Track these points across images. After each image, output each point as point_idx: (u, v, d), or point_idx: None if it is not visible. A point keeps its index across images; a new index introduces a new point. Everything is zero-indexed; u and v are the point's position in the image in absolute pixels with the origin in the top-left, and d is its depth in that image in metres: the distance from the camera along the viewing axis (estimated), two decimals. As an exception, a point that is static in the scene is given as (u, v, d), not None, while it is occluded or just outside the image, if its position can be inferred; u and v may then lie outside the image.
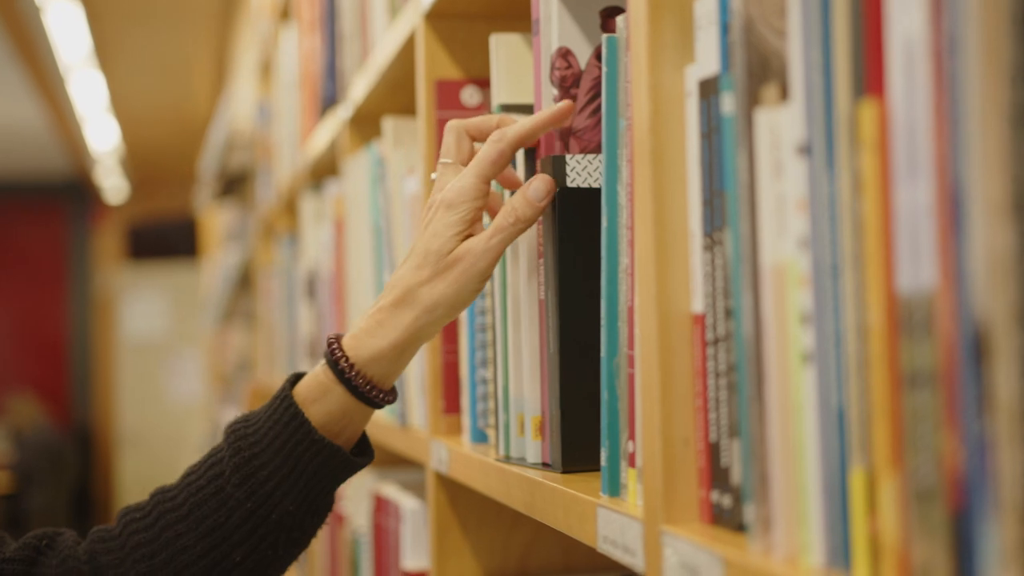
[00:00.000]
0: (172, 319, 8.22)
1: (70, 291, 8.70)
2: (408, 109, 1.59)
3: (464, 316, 1.17)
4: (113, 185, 8.20)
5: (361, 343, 0.92)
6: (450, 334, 1.23)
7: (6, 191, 8.34)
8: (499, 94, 1.06)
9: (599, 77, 0.94)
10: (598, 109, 0.94)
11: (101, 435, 8.53)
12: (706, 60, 0.63)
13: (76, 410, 8.60)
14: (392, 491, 1.49)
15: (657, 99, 0.66)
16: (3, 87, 6.05)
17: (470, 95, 1.26)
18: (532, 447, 0.95)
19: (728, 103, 0.59)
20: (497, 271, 1.03)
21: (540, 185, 0.90)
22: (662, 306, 0.65)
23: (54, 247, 8.71)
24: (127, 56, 5.69)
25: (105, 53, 5.46)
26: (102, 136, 6.81)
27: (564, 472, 0.89)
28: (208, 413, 6.85)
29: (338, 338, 0.94)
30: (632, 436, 0.73)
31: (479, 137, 0.95)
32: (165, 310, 8.25)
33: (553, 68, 0.94)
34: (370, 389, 0.92)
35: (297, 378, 0.95)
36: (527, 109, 1.03)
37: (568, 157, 0.91)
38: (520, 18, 1.22)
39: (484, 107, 1.26)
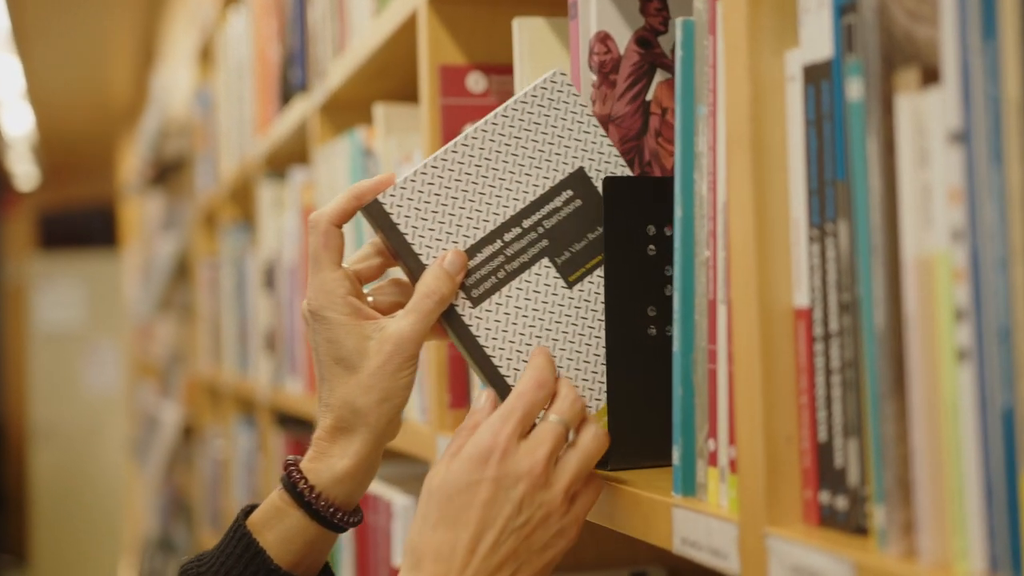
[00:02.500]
0: (88, 309, 8.02)
1: (-21, 280, 8.45)
2: (388, 96, 1.55)
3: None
4: (24, 172, 7.97)
5: (321, 468, 0.85)
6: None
7: (-88, 177, 8.06)
8: (523, 80, 1.03)
9: (638, 63, 0.92)
10: (638, 95, 0.91)
11: (13, 427, 8.29)
12: (814, 44, 0.61)
13: (-14, 403, 8.36)
14: (379, 487, 1.45)
15: (757, 85, 0.63)
16: (-87, 69, 5.83)
17: (475, 81, 1.23)
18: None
19: (855, 89, 0.57)
20: (524, 262, 1.00)
21: (453, 258, 0.84)
22: (763, 300, 0.63)
23: (-38, 235, 8.44)
24: (45, 40, 5.52)
25: (23, 37, 5.29)
26: (15, 122, 6.61)
27: (611, 471, 0.86)
28: (129, 405, 6.70)
29: (296, 461, 0.87)
30: (713, 434, 0.70)
31: (344, 223, 0.87)
32: (80, 300, 8.04)
33: (592, 53, 0.91)
34: (333, 512, 0.85)
35: (251, 509, 0.89)
36: (555, 96, 0.99)
37: (380, 197, 0.85)
38: (526, 2, 1.20)
39: (490, 93, 1.22)
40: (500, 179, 0.87)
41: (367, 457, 0.85)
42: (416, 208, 0.85)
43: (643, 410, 0.87)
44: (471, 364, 0.85)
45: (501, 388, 0.84)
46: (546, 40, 1.04)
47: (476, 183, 0.86)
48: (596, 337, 0.86)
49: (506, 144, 0.87)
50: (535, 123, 0.87)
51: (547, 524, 0.76)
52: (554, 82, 0.88)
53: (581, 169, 0.87)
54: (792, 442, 0.62)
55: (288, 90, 2.08)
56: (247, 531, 0.86)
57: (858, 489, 0.58)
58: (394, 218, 0.85)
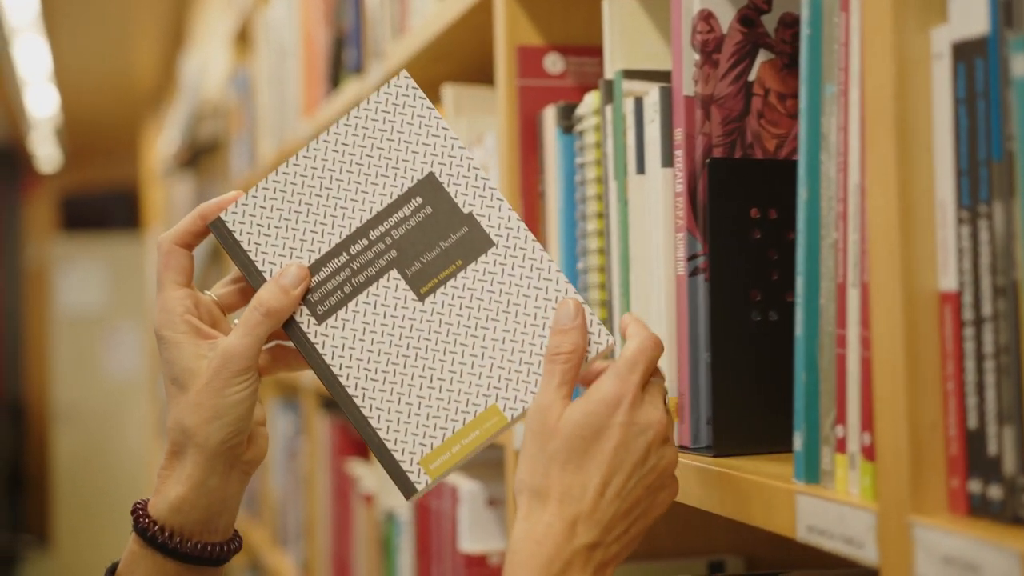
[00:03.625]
0: (110, 292, 8.03)
1: (0, 261, 8.46)
2: (449, 78, 1.54)
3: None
4: (46, 154, 7.97)
5: (158, 500, 0.83)
6: (532, 311, 1.19)
7: (-66, 158, 8.07)
8: (615, 61, 1.01)
9: (741, 42, 0.90)
10: (740, 76, 0.90)
11: (35, 409, 8.32)
12: (965, 21, 0.60)
13: (7, 384, 8.38)
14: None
15: (901, 64, 0.62)
16: (-60, 50, 5.84)
17: (553, 62, 1.21)
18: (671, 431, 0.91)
19: (1021, 65, 0.55)
20: (616, 247, 0.99)
21: (292, 272, 0.82)
22: (907, 284, 0.61)
23: (-17, 216, 8.46)
24: (73, 22, 5.51)
25: (52, 19, 5.28)
26: (41, 104, 6.61)
27: (715, 457, 0.85)
28: (151, 387, 6.71)
29: (144, 502, 0.85)
30: (842, 420, 0.69)
31: (191, 243, 0.85)
32: (102, 283, 8.05)
33: (695, 32, 0.90)
34: (184, 543, 0.82)
35: (115, 567, 0.87)
36: (649, 75, 0.98)
37: (223, 214, 0.83)
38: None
39: (568, 75, 1.21)
40: (345, 190, 0.83)
41: (202, 480, 0.82)
42: (259, 224, 0.83)
43: (748, 397, 0.86)
44: (322, 383, 0.83)
45: (350, 408, 0.81)
46: (637, 20, 1.02)
47: (320, 195, 0.83)
48: (451, 352, 0.81)
49: (350, 154, 0.84)
50: (380, 130, 0.84)
51: (664, 476, 0.76)
52: (398, 86, 0.84)
53: (431, 175, 0.83)
54: (937, 429, 0.61)
55: (338, 72, 2.07)
56: None
57: (1015, 478, 0.57)
58: (236, 235, 0.83)
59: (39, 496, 8.12)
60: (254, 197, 0.83)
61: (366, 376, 0.81)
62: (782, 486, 0.72)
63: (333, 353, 0.82)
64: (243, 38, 3.25)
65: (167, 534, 0.82)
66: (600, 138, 1.04)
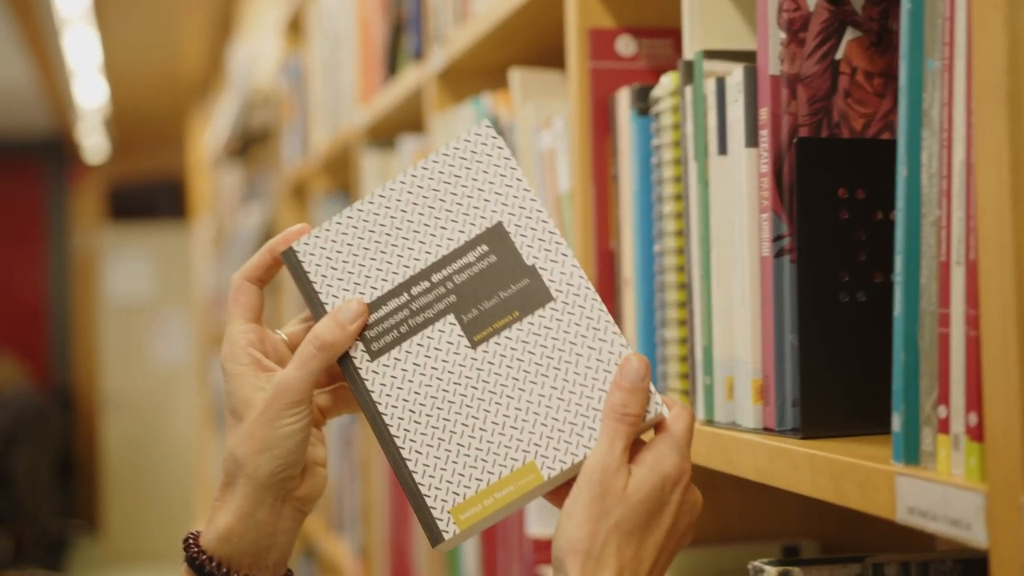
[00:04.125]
0: (157, 281, 8.10)
1: (48, 251, 8.56)
2: (512, 62, 1.53)
3: (629, 273, 1.12)
4: (93, 144, 8.05)
5: (208, 529, 0.83)
6: (605, 294, 1.18)
7: (-18, 149, 8.16)
8: (694, 42, 1.00)
9: (828, 20, 0.89)
10: (827, 54, 0.89)
11: (84, 397, 8.41)
12: (1081, -7, 0.58)
13: (56, 372, 8.48)
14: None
15: (1014, 35, 0.61)
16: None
17: (625, 45, 1.20)
18: (749, 411, 0.90)
19: None
20: (696, 229, 0.98)
21: (350, 306, 0.82)
22: (1020, 261, 0.60)
23: (32, 206, 8.55)
24: (123, 13, 5.56)
25: (103, 10, 5.33)
26: (89, 94, 6.67)
27: (803, 439, 0.84)
28: (200, 375, 6.77)
29: (196, 535, 0.85)
30: (944, 400, 0.68)
31: (262, 278, 0.85)
32: (149, 272, 8.13)
33: (781, 10, 0.89)
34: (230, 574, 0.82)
35: None
36: (729, 55, 0.97)
37: (295, 244, 0.84)
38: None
39: (640, 57, 1.20)
40: (414, 231, 0.84)
41: (250, 512, 0.81)
42: (328, 257, 0.84)
43: (837, 379, 0.85)
44: (367, 419, 0.83)
45: (389, 447, 0.81)
46: (715, 0, 1.01)
47: (389, 235, 0.84)
48: (496, 403, 0.80)
49: (424, 196, 0.84)
50: (455, 176, 0.84)
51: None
52: (479, 134, 0.85)
53: (500, 224, 0.82)
54: (1049, 409, 0.60)
55: (395, 59, 2.07)
56: None
57: None
58: (305, 266, 0.84)
59: (89, 482, 8.22)
60: (327, 231, 0.85)
61: (410, 418, 0.81)
62: (881, 467, 0.71)
63: (381, 391, 0.82)
64: (295, 27, 3.26)
65: (215, 564, 0.82)
66: (678, 119, 1.03)
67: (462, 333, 0.81)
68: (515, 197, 0.83)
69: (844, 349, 0.85)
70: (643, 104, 1.09)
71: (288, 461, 0.81)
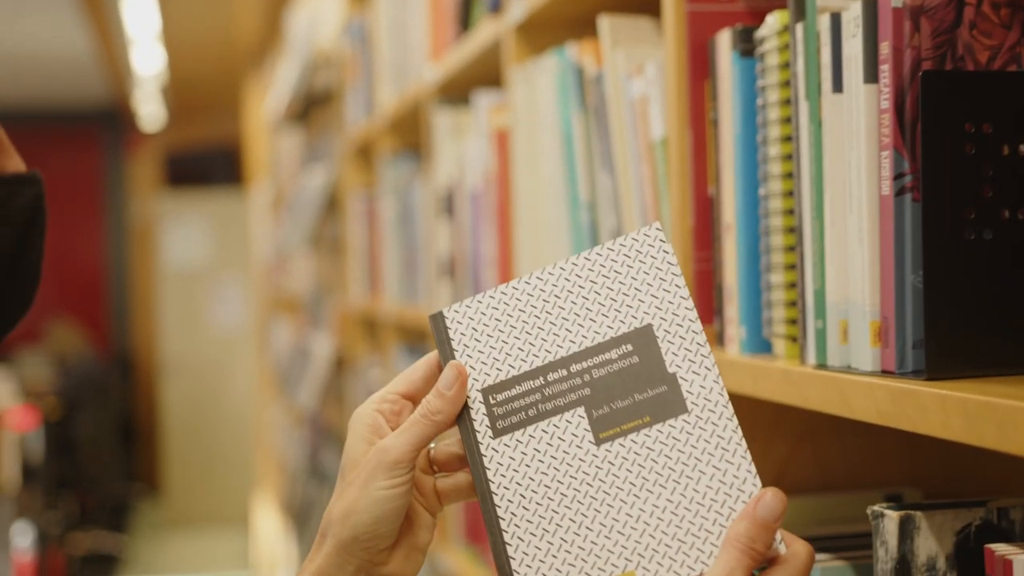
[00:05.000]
0: (214, 247, 8.16)
1: (107, 219, 8.65)
2: (602, 9, 1.51)
3: (730, 219, 1.10)
4: (150, 112, 8.11)
5: None
6: (702, 240, 1.17)
7: (40, 118, 8.24)
8: (804, -22, 0.98)
9: (950, -48, 0.86)
10: (951, -14, 0.86)
11: (143, 363, 8.52)
12: None
13: (116, 338, 8.59)
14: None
15: None
16: (51, 12, 5.94)
17: (723, -13, 1.18)
18: (867, 354, 0.89)
19: None
20: (807, 170, 0.96)
21: (448, 373, 0.82)
22: None
23: (90, 174, 8.64)
24: (180, -20, 5.58)
25: (161, -24, 5.35)
26: (147, 62, 6.71)
27: (928, 380, 0.82)
28: (259, 340, 6.82)
29: None
30: (1093, 333, 0.66)
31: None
32: (206, 238, 8.19)
33: (903, -58, 0.86)
34: None
35: None
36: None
37: (446, 310, 0.85)
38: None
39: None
40: (563, 318, 0.83)
41: (328, 572, 0.80)
42: (474, 328, 0.84)
43: (963, 318, 0.83)
44: (477, 495, 0.81)
45: (493, 528, 0.80)
46: (826, -65, 0.98)
47: (538, 317, 0.83)
48: (608, 505, 0.78)
49: (580, 286, 0.83)
50: (616, 271, 0.83)
51: None
52: (647, 235, 0.83)
53: (649, 327, 0.81)
54: None
55: (468, 14, 2.05)
56: None
57: None
58: (451, 333, 0.84)
59: (149, 447, 8.34)
60: (479, 303, 0.85)
61: (519, 502, 0.80)
62: (1021, 405, 0.69)
63: (497, 470, 0.81)
64: (358, -13, 3.25)
65: None
66: (786, 59, 1.01)
67: (589, 428, 0.80)
68: (670, 302, 0.81)
69: (969, 288, 0.83)
70: (746, 45, 1.07)
71: (375, 530, 0.80)
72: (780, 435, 1.16)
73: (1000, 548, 0.74)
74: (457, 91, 2.20)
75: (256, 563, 6.45)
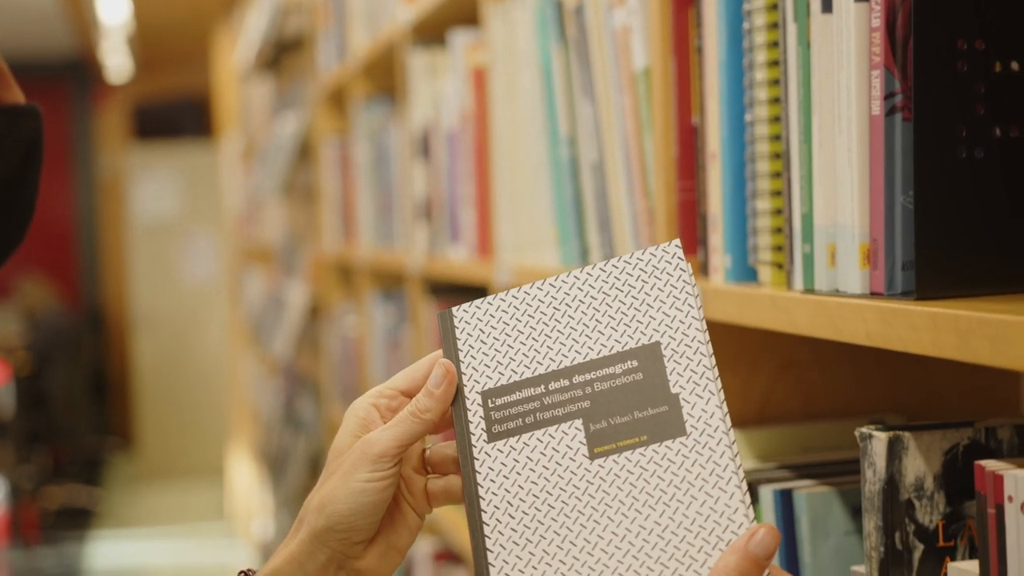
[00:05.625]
0: (184, 199, 8.09)
1: (75, 172, 8.56)
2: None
3: (715, 147, 1.09)
4: (117, 64, 7.99)
5: (263, 567, 0.82)
6: (686, 170, 1.16)
7: (8, 69, 8.09)
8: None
9: None
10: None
11: (115, 317, 8.47)
12: None
13: (87, 292, 8.53)
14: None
15: None
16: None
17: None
18: (855, 277, 0.88)
19: None
20: (795, 93, 0.95)
21: (437, 371, 0.82)
22: None
23: (56, 127, 8.52)
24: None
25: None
26: (113, 11, 6.60)
27: (918, 300, 0.82)
28: (232, 291, 6.79)
29: (248, 575, 0.83)
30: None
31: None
32: (177, 191, 8.11)
33: None
34: None
35: None
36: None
37: (455, 309, 0.84)
38: None
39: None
40: (571, 328, 0.82)
41: (300, 561, 0.80)
42: (481, 330, 0.83)
43: (954, 238, 0.82)
44: (465, 498, 0.81)
45: (475, 532, 0.79)
46: None
47: (547, 324, 0.83)
48: (595, 521, 0.76)
49: (592, 296, 0.82)
50: (630, 285, 0.82)
51: None
52: (666, 251, 0.82)
53: (657, 345, 0.79)
54: None
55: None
56: None
57: None
58: (458, 332, 0.84)
59: (122, 400, 8.31)
60: (489, 304, 0.84)
61: (506, 509, 0.79)
62: (1016, 319, 0.69)
63: (487, 474, 0.80)
64: (329, -70, 3.20)
65: None
66: (773, -18, 0.99)
67: (584, 441, 0.79)
68: (681, 322, 0.80)
69: (961, 207, 0.82)
70: (732, -31, 1.06)
71: (350, 521, 0.79)
72: (763, 365, 1.15)
73: (990, 464, 0.74)
74: (432, 31, 2.18)
75: (232, 514, 6.46)
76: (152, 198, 8.09)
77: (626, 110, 1.27)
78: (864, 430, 0.86)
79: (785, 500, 1.01)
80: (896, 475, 0.84)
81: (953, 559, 0.84)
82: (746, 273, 1.06)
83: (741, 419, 1.14)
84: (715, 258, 1.10)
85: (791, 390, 1.16)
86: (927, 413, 1.15)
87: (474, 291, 2.08)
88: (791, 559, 1.00)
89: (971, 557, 0.84)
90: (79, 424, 7.55)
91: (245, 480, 5.98)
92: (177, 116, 8.55)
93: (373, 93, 2.81)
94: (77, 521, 6.59)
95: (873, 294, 0.87)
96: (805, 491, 1.00)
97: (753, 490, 1.03)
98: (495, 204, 1.74)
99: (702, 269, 1.13)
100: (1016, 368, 0.68)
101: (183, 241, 8.04)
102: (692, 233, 1.16)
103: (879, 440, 0.85)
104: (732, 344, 1.14)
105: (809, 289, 0.94)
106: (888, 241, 0.85)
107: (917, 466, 0.84)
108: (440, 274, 2.11)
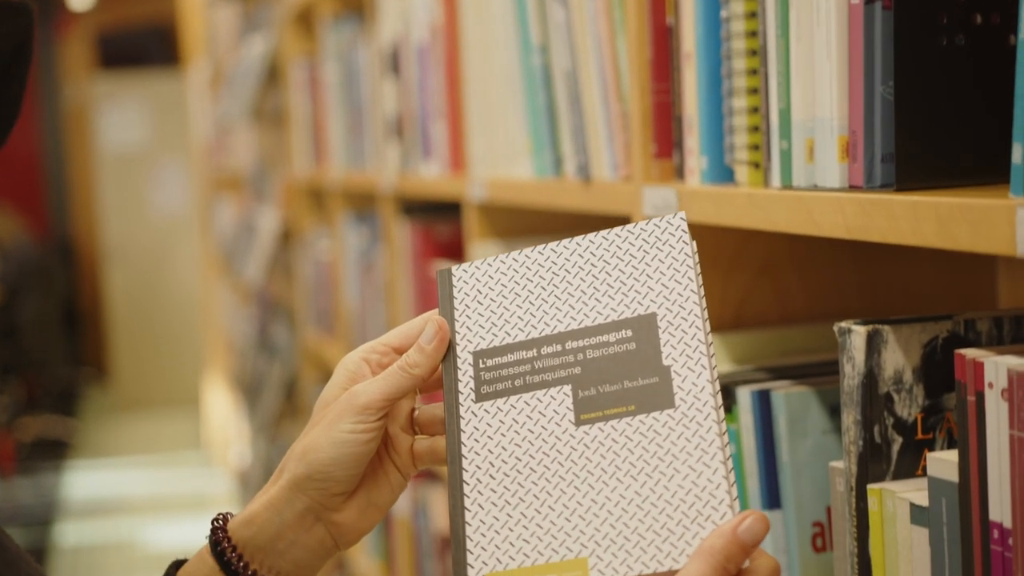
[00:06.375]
0: (152, 130, 7.99)
1: (39, 103, 8.42)
2: None
3: (690, 47, 1.07)
4: (79, -9, 7.85)
5: (240, 512, 0.81)
6: (660, 72, 1.14)
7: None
8: None
9: None
10: None
11: (85, 248, 8.40)
12: None
13: (56, 224, 8.45)
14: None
15: None
16: None
17: None
18: (834, 171, 0.87)
19: None
20: (772, -16, 0.93)
21: (429, 328, 0.82)
22: None
23: (20, 57, 8.36)
24: None
25: None
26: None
27: (898, 192, 0.81)
28: (203, 220, 6.73)
29: (225, 519, 0.82)
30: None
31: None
32: (144, 120, 8.01)
33: None
34: (238, 560, 0.80)
35: (178, 565, 0.84)
36: None
37: (455, 268, 0.84)
38: None
39: None
40: (568, 294, 0.81)
41: (278, 508, 0.80)
42: (478, 290, 0.83)
43: (935, 128, 0.81)
44: (447, 456, 0.80)
45: (455, 491, 0.78)
46: None
47: (544, 289, 0.82)
48: (575, 488, 0.76)
49: (592, 264, 0.81)
50: (631, 254, 0.81)
51: None
52: (670, 223, 0.81)
53: (653, 316, 0.78)
54: None
55: None
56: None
57: None
58: (455, 291, 0.84)
59: (95, 331, 8.27)
60: (488, 265, 0.84)
61: (487, 470, 0.78)
62: (998, 202, 0.68)
63: (472, 434, 0.79)
64: None
65: (231, 545, 0.81)
66: None
67: (571, 407, 0.78)
68: (680, 295, 0.78)
69: (941, 97, 0.81)
70: None
71: (330, 472, 0.79)
72: (740, 268, 1.15)
73: (970, 352, 0.74)
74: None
75: (208, 443, 6.47)
76: (119, 128, 7.99)
77: (599, 13, 1.25)
78: (843, 324, 0.86)
79: (763, 401, 1.00)
80: (875, 369, 0.84)
81: (932, 451, 0.84)
82: (723, 174, 1.05)
83: (718, 324, 1.14)
84: (691, 160, 1.08)
85: (768, 294, 1.16)
86: (906, 315, 1.14)
87: (447, 208, 2.06)
88: (769, 459, 1.00)
89: (949, 449, 0.84)
90: (52, 356, 7.52)
91: (221, 409, 5.98)
92: (142, 44, 8.41)
93: (341, 12, 2.76)
94: (52, 452, 6.59)
95: (852, 187, 0.86)
96: (783, 391, 1.00)
97: (730, 392, 1.03)
98: (467, 118, 1.71)
99: (678, 172, 1.11)
100: (997, 252, 0.68)
101: (152, 171, 7.95)
102: (667, 136, 1.14)
103: (858, 334, 0.84)
104: (709, 248, 1.13)
105: (787, 186, 0.93)
106: (867, 133, 0.84)
107: (896, 359, 0.84)
108: (413, 192, 2.09)
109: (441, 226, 2.10)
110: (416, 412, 0.85)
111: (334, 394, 0.81)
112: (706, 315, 0.78)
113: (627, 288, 0.80)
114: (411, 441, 0.84)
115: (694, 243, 0.81)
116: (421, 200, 2.18)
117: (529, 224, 1.72)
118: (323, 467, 0.79)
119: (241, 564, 0.81)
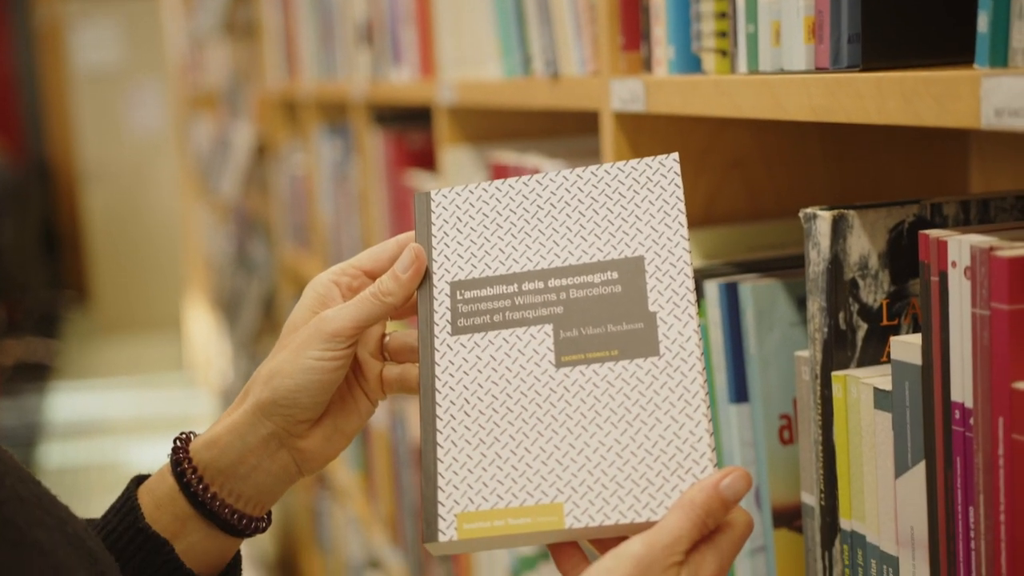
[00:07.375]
0: (128, 49, 7.87)
1: (9, 22, 8.28)
2: None
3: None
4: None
5: (203, 433, 0.80)
6: (628, -37, 1.11)
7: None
8: None
9: None
10: None
11: (62, 169, 8.31)
12: None
13: (32, 145, 8.35)
14: (536, 160, 1.39)
15: None
16: None
17: None
18: (800, 53, 0.85)
19: None
20: None
21: (406, 255, 0.79)
22: None
23: (-12, -24, 8.22)
24: None
25: None
26: None
27: (862, 72, 0.79)
28: (179, 139, 6.66)
29: (188, 438, 0.80)
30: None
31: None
32: (119, 40, 7.88)
33: None
34: (198, 482, 0.79)
35: (139, 481, 0.82)
36: None
37: (434, 193, 0.81)
38: None
39: None
40: (554, 229, 0.78)
41: (241, 432, 0.78)
42: (458, 218, 0.80)
43: (900, 6, 0.79)
44: (420, 389, 0.77)
45: (427, 426, 0.75)
46: None
47: (528, 222, 0.79)
48: (553, 431, 0.74)
49: (580, 200, 0.78)
50: (620, 193, 0.78)
51: None
52: (663, 164, 0.78)
53: (641, 259, 0.76)
54: None
55: None
56: (132, 493, 0.82)
57: None
58: (434, 216, 0.81)
59: (75, 254, 8.22)
60: (470, 192, 0.81)
61: (462, 406, 0.76)
62: (962, 73, 0.66)
63: (447, 368, 0.77)
64: None
65: (192, 466, 0.79)
66: None
67: (552, 347, 0.75)
68: (669, 239, 0.76)
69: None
70: None
71: (295, 398, 0.77)
72: (710, 164, 1.13)
73: (934, 232, 0.72)
74: None
75: (190, 364, 6.47)
76: (93, 47, 7.86)
77: (566, -98, 1.21)
78: (808, 211, 0.84)
79: (730, 293, 0.99)
80: (840, 254, 0.82)
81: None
82: (690, 63, 1.02)
83: (688, 219, 1.12)
84: (658, 50, 1.06)
85: (737, 190, 1.14)
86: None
87: (419, 115, 2.03)
88: (736, 351, 0.99)
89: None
90: (32, 278, 7.48)
91: (203, 329, 5.97)
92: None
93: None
94: (35, 375, 6.59)
95: (819, 69, 0.84)
96: (750, 283, 0.99)
97: (699, 285, 1.01)
98: (436, 21, 1.68)
99: (645, 64, 1.09)
100: (962, 125, 0.66)
101: (128, 91, 7.85)
102: (634, 27, 1.11)
103: (823, 219, 0.83)
104: (678, 143, 1.12)
105: (753, 71, 0.91)
106: (834, 13, 0.82)
107: (861, 244, 0.83)
108: (384, 99, 2.05)
109: (414, 134, 2.08)
110: (387, 338, 0.83)
111: (303, 316, 0.79)
112: (691, 263, 0.77)
113: (614, 228, 0.78)
114: (380, 367, 0.83)
115: (682, 185, 0.79)
116: (393, 108, 2.15)
117: (500, 127, 1.69)
118: (289, 393, 0.77)
119: (201, 487, 0.80)
